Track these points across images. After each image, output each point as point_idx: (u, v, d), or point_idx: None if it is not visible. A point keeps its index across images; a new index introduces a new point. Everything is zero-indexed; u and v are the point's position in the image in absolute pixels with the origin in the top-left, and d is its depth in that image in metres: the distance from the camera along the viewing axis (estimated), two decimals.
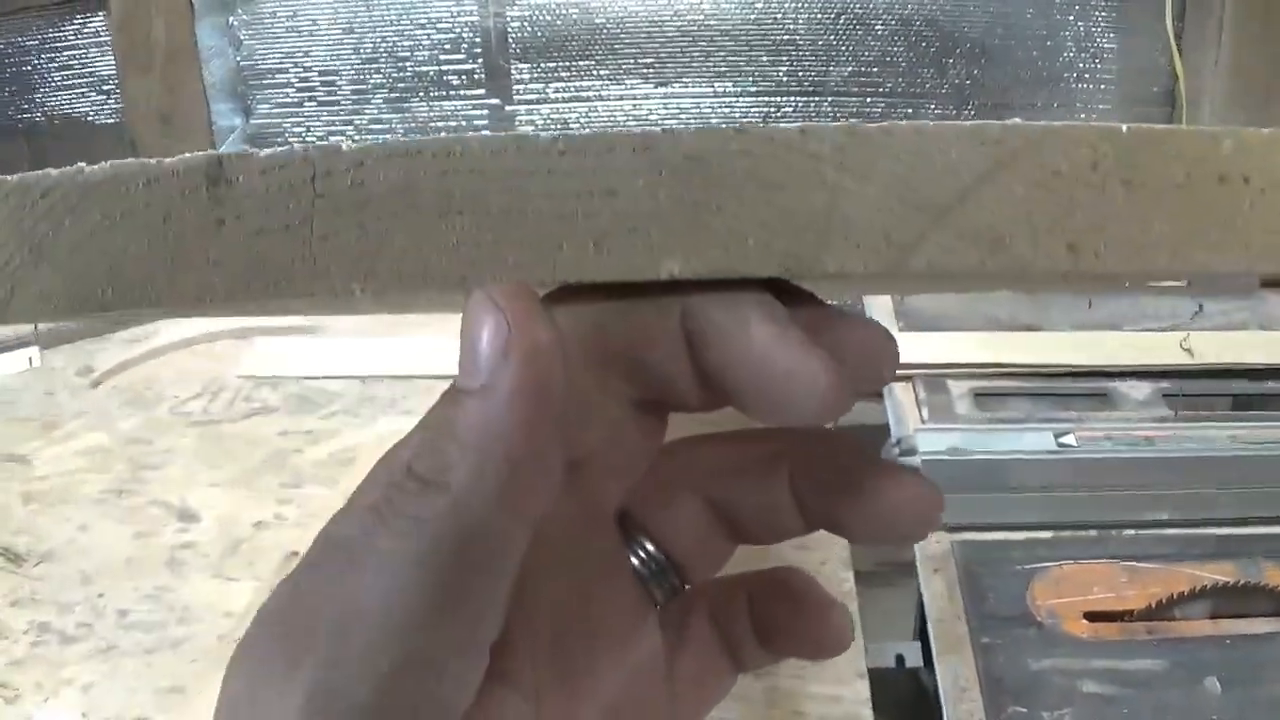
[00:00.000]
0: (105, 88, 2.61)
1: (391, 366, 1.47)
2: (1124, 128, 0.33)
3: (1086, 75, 2.49)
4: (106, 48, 2.56)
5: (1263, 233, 0.34)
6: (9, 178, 0.33)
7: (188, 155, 0.34)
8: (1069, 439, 1.23)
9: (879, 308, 1.58)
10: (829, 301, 0.38)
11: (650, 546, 0.41)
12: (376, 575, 0.32)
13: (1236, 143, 0.34)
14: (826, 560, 1.14)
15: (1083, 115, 2.52)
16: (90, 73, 2.61)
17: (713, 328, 0.35)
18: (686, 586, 0.43)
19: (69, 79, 2.63)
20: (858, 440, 0.42)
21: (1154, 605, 1.11)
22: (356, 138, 2.60)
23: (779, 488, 0.41)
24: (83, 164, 0.33)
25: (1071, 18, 2.45)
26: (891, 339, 0.38)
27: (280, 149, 0.33)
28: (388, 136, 1.74)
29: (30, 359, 1.56)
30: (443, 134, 0.34)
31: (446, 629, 0.33)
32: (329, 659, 0.31)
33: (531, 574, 0.36)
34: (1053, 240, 0.33)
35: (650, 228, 0.33)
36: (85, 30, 2.58)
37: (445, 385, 0.33)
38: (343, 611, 0.32)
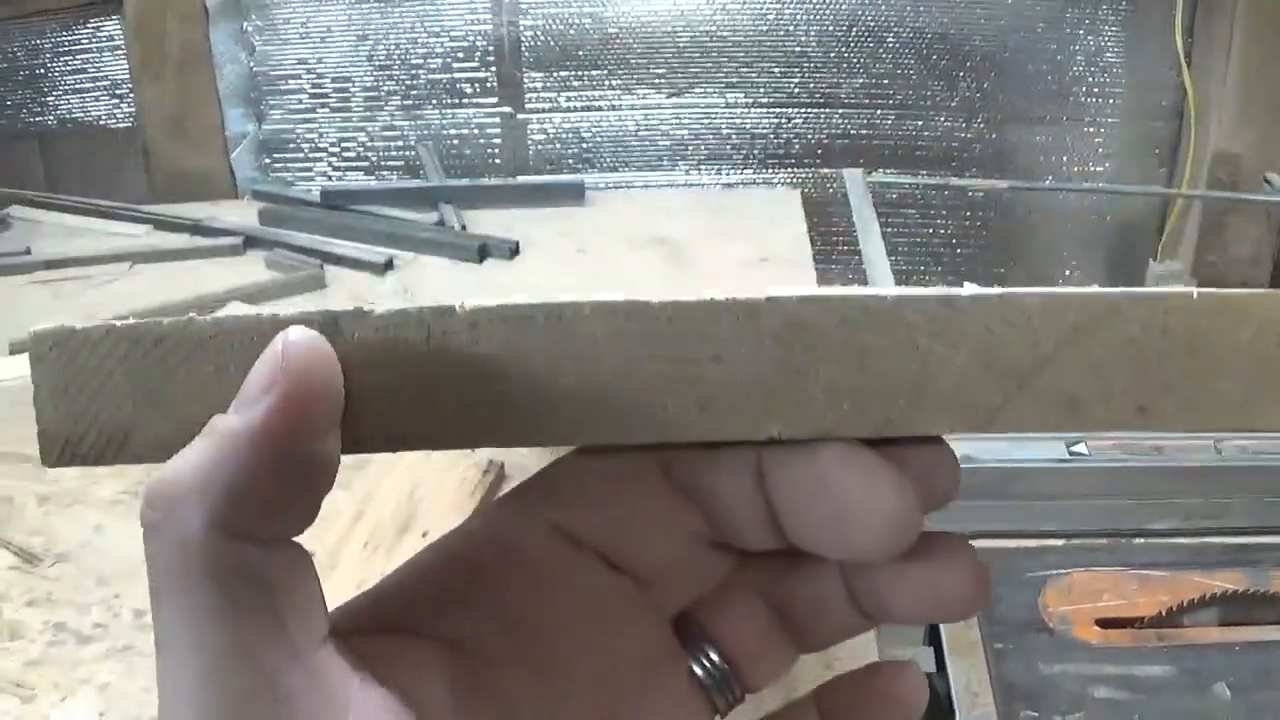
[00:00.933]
0: (118, 92, 2.62)
1: None
2: (1195, 293, 0.34)
3: (1095, 89, 2.50)
4: (120, 52, 2.57)
5: None
6: (119, 323, 0.34)
7: (304, 311, 0.34)
8: (1081, 448, 1.24)
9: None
10: None
11: (714, 655, 0.40)
12: None
13: None
14: None
15: (1090, 129, 2.53)
16: (104, 77, 2.62)
17: (782, 457, 0.36)
18: (747, 694, 0.42)
19: (82, 83, 2.64)
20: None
21: (1164, 612, 1.12)
22: (370, 138, 2.62)
23: (830, 575, 0.40)
24: (193, 314, 0.34)
25: (1081, 32, 2.46)
26: (953, 455, 0.38)
27: (395, 310, 0.34)
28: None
29: None
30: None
31: None
32: None
33: (585, 677, 0.37)
34: (1124, 402, 0.35)
35: (752, 393, 0.35)
36: (99, 34, 2.59)
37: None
38: None
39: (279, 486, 0.32)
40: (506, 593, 0.38)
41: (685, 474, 0.37)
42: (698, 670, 0.40)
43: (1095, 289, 0.34)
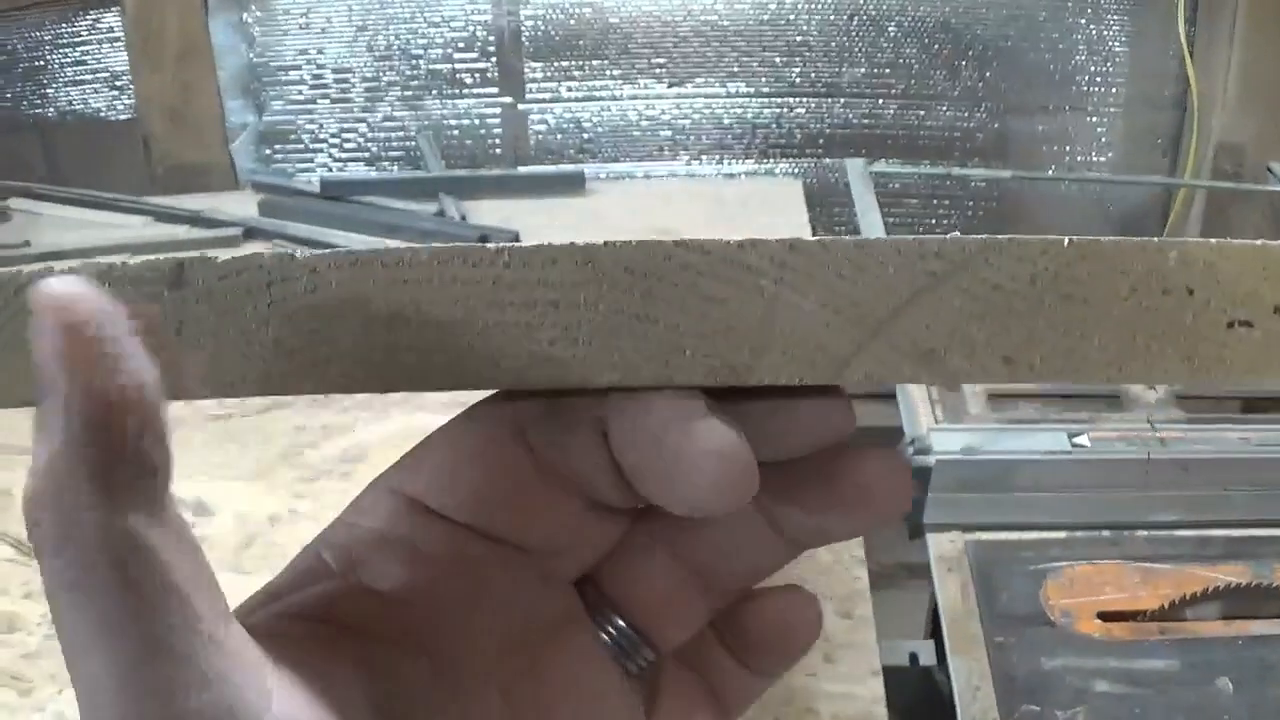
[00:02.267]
0: (118, 84, 2.63)
1: None
2: (1066, 240, 0.33)
3: (1098, 78, 2.50)
4: (120, 44, 2.58)
5: (1205, 345, 0.34)
6: None
7: (152, 257, 0.34)
8: (1082, 439, 1.24)
9: None
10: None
11: (620, 622, 0.41)
12: None
13: (1181, 254, 0.34)
14: (839, 559, 1.15)
15: (1092, 119, 2.53)
16: (104, 69, 2.63)
17: (618, 412, 0.35)
18: (659, 655, 0.42)
19: (82, 74, 2.65)
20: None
21: (1166, 606, 1.12)
22: (370, 129, 2.63)
23: (749, 514, 0.40)
24: (51, 263, 0.33)
25: (1084, 21, 2.47)
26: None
27: (239, 256, 0.33)
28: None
29: None
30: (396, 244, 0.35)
31: None
32: None
33: (481, 650, 0.37)
34: (989, 354, 0.34)
35: (591, 340, 0.34)
36: (99, 26, 2.60)
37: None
38: None
39: (123, 464, 0.29)
40: (387, 579, 0.37)
41: (538, 438, 0.37)
42: (604, 636, 0.40)
43: (956, 236, 0.33)
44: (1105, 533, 1.21)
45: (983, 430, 1.27)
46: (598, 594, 0.40)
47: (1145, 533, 1.21)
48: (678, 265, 0.34)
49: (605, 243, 0.34)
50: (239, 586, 1.06)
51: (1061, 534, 1.21)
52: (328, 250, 0.34)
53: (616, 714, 0.41)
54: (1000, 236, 0.33)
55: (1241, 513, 1.23)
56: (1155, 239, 0.33)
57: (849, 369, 0.34)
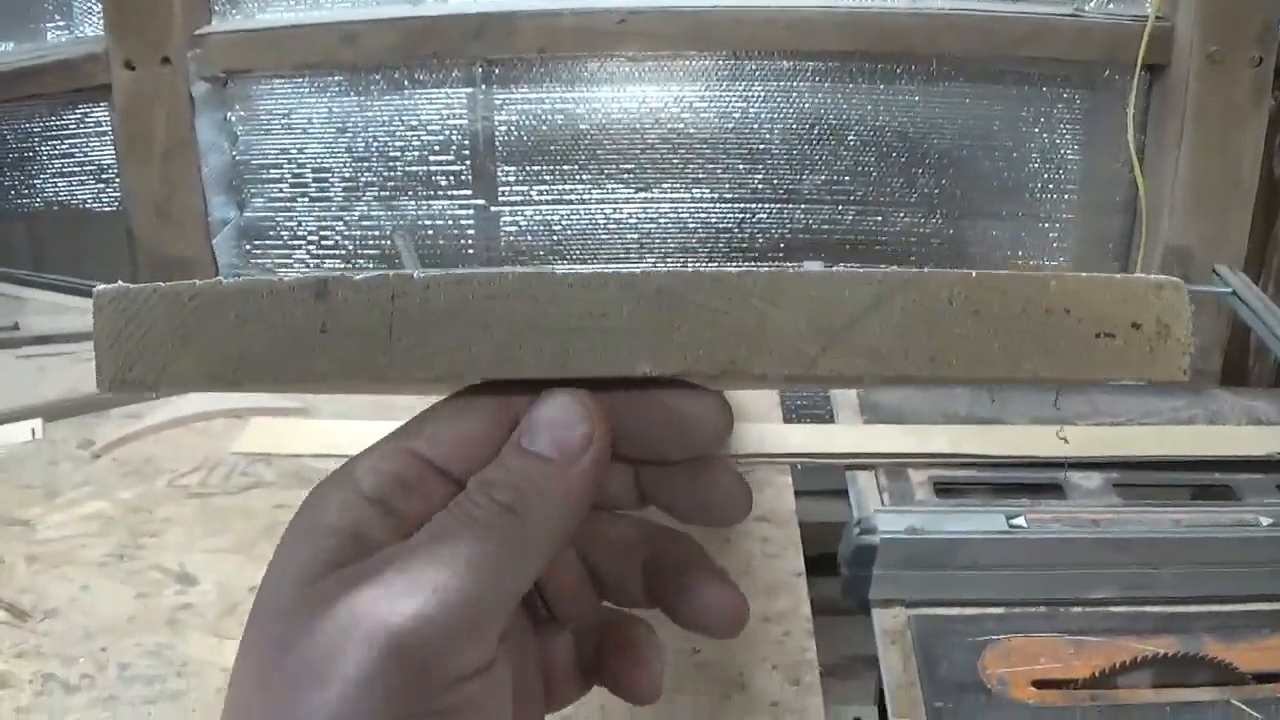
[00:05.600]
0: (104, 176, 2.67)
1: None
2: (974, 274, 0.47)
3: (1051, 185, 2.55)
4: (108, 138, 2.62)
5: (1076, 350, 0.47)
6: (163, 285, 0.46)
7: (301, 274, 0.46)
8: (1019, 520, 1.29)
9: (845, 404, 1.64)
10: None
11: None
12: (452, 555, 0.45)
13: (1060, 283, 0.47)
14: (790, 631, 1.20)
15: (1045, 224, 2.58)
16: (91, 162, 2.67)
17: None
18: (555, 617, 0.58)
19: (69, 167, 2.69)
20: (697, 545, 0.57)
21: (1098, 674, 1.16)
22: (348, 227, 2.67)
23: (634, 567, 0.56)
24: (220, 278, 0.46)
25: (1037, 130, 2.52)
26: (746, 489, 0.56)
27: (371, 274, 0.46)
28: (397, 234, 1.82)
29: (33, 430, 1.61)
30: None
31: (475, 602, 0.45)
32: None
33: None
34: (918, 354, 0.46)
35: (631, 340, 0.46)
36: (88, 120, 2.64)
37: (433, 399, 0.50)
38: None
39: None
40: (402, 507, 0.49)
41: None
42: None
43: (895, 269, 0.46)
44: (1041, 608, 1.26)
45: (925, 513, 1.32)
46: None
47: (1080, 609, 1.26)
48: (695, 288, 0.46)
49: (642, 271, 0.46)
50: (221, 650, 1.11)
51: (999, 609, 1.25)
52: (440, 272, 0.46)
53: (525, 648, 0.56)
54: (924, 270, 0.46)
55: (1172, 590, 1.27)
56: (1039, 272, 0.47)
57: (817, 365, 0.46)
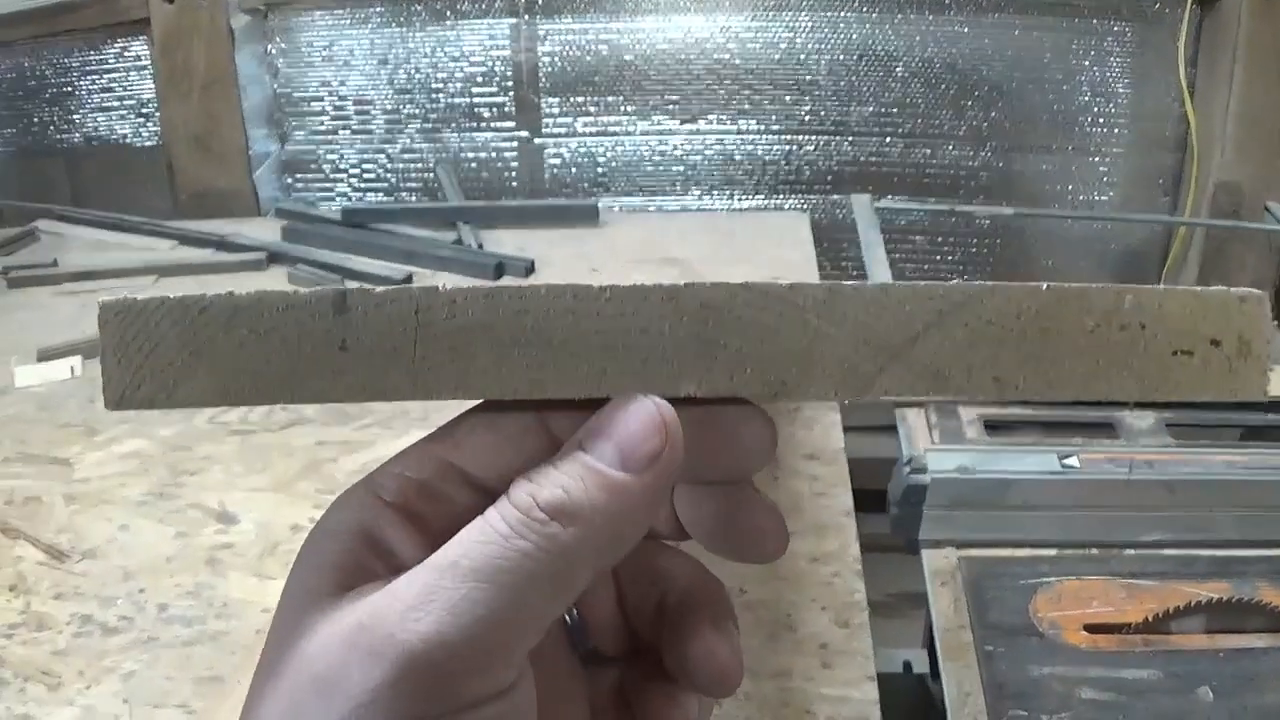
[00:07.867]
0: (144, 111, 2.66)
1: None
2: (1044, 286, 0.43)
3: (1101, 119, 2.52)
4: (147, 72, 2.61)
5: (1153, 368, 0.43)
6: (171, 296, 0.42)
7: (318, 288, 0.42)
8: (1072, 460, 1.26)
9: None
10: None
11: (573, 609, 0.50)
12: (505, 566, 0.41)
13: (1136, 297, 0.43)
14: (839, 572, 1.18)
15: (1095, 159, 2.55)
16: (130, 96, 2.66)
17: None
18: (597, 652, 0.53)
19: (108, 101, 2.68)
20: (721, 588, 0.53)
21: (1150, 619, 1.14)
22: (390, 160, 2.66)
23: (653, 600, 0.52)
24: (232, 289, 0.42)
25: (1088, 63, 2.49)
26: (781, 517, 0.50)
27: (390, 289, 0.42)
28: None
29: (73, 368, 1.60)
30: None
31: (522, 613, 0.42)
32: None
33: None
34: (982, 375, 0.43)
35: (673, 358, 0.43)
36: (126, 54, 2.63)
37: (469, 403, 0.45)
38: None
39: None
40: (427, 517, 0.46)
41: (559, 429, 0.46)
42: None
43: (958, 283, 0.42)
44: (1093, 550, 1.24)
45: (976, 451, 1.30)
46: None
47: (1132, 551, 1.24)
48: (742, 303, 0.42)
49: (685, 284, 0.42)
50: (260, 590, 1.10)
51: (1051, 551, 1.24)
52: (466, 285, 0.42)
53: (571, 680, 0.52)
54: (990, 283, 0.43)
55: (1225, 534, 1.25)
56: (1114, 285, 0.43)
57: (874, 386, 0.43)
